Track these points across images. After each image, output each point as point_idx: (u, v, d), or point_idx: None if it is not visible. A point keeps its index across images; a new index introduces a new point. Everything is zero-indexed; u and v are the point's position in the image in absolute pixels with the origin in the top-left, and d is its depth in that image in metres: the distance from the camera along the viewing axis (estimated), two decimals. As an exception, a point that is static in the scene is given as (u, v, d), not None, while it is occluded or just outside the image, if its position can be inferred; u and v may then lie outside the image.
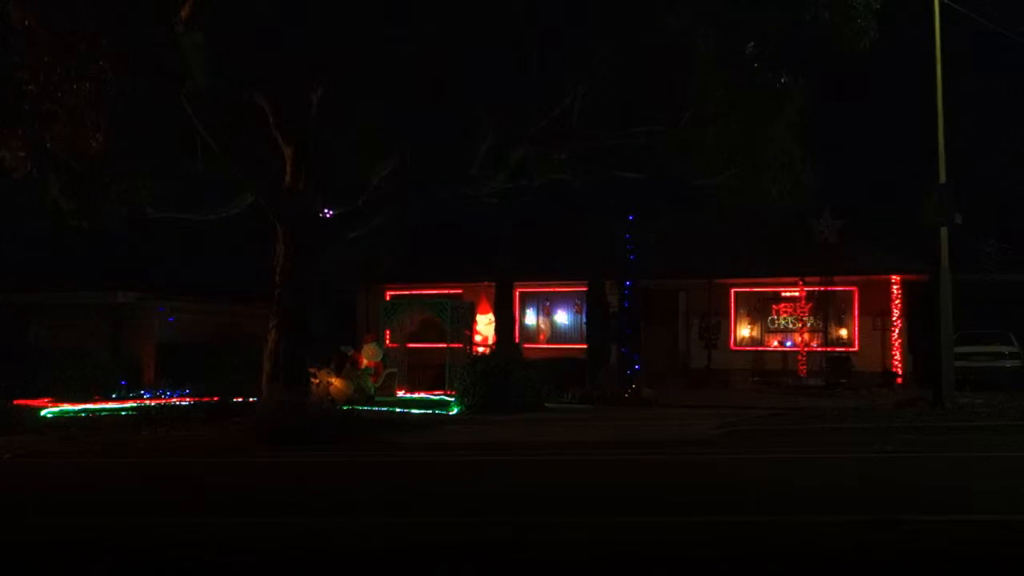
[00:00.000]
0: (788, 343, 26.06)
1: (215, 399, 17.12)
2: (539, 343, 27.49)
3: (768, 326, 26.64)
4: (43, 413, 16.60)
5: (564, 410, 18.41)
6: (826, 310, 25.10)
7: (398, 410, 17.92)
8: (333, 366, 19.98)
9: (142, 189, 15.63)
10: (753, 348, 26.54)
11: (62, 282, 24.02)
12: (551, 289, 27.81)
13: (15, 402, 17.35)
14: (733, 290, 26.75)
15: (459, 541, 6.64)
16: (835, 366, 24.26)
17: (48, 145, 13.53)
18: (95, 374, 20.02)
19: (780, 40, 16.14)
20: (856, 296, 25.70)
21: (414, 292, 27.95)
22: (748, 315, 26.90)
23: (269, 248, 16.84)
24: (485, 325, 26.74)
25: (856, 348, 25.18)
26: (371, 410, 17.84)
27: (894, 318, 24.83)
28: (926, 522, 6.96)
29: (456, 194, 18.20)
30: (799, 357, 25.26)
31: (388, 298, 27.74)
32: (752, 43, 16.16)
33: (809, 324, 25.42)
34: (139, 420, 15.45)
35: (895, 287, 24.99)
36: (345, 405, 18.28)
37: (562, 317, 28.26)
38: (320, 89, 16.05)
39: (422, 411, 17.81)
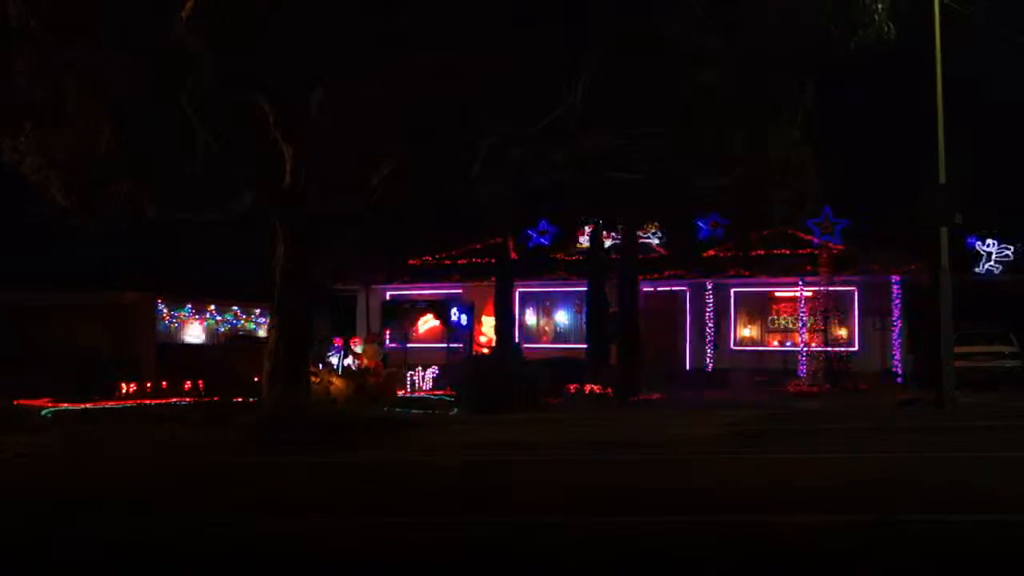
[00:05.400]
0: (788, 343, 26.06)
1: (215, 399, 17.11)
2: (539, 343, 27.50)
3: (768, 326, 26.66)
4: (44, 413, 16.60)
5: (564, 410, 18.41)
6: (826, 310, 25.10)
7: (398, 410, 17.92)
8: (337, 363, 20.01)
9: (142, 189, 15.61)
10: (753, 348, 26.55)
11: (62, 282, 24.03)
12: (551, 289, 27.83)
13: (15, 402, 17.34)
14: (733, 290, 26.77)
15: (459, 541, 6.65)
16: (835, 366, 24.26)
17: (48, 145, 13.53)
18: (95, 374, 20.00)
19: (782, 40, 16.01)
20: (856, 296, 25.71)
21: (414, 292, 27.97)
22: (748, 315, 26.91)
23: (269, 248, 16.82)
24: (490, 327, 26.69)
25: (856, 348, 25.18)
26: (371, 410, 17.83)
27: (894, 318, 24.84)
28: (926, 522, 6.96)
29: (456, 194, 18.18)
30: (799, 357, 25.26)
31: (388, 298, 27.75)
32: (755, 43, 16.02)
33: (809, 324, 25.41)
34: (139, 421, 15.45)
35: (895, 287, 25.01)
36: (345, 405, 18.26)
37: (562, 317, 28.27)
38: (320, 89, 16.05)
39: (422, 411, 17.81)
